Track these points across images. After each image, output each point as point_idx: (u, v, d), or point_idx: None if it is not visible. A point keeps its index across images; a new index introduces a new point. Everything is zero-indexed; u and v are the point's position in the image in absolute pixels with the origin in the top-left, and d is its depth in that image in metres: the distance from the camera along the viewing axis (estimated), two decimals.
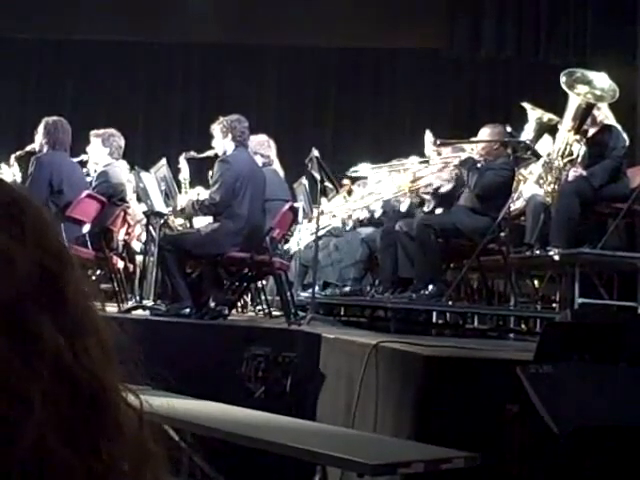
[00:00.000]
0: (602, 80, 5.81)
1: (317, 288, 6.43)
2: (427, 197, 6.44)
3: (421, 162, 6.42)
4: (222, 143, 5.97)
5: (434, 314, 6.89)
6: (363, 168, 7.08)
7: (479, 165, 5.88)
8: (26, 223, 0.54)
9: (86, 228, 6.28)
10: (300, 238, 7.21)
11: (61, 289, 0.54)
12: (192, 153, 6.50)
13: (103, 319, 0.58)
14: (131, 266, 7.46)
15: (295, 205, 6.60)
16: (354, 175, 7.25)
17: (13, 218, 0.54)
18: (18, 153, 7.08)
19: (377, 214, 7.39)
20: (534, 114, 6.52)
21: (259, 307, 7.23)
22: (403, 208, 6.83)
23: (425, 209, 6.52)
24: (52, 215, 0.59)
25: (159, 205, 6.43)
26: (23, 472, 0.49)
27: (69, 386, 0.52)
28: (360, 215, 7.74)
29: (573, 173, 5.72)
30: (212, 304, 5.88)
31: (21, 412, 0.49)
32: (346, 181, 8.31)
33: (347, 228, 7.86)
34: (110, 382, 0.55)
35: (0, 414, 0.49)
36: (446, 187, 6.23)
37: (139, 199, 6.95)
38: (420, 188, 6.36)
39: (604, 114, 5.88)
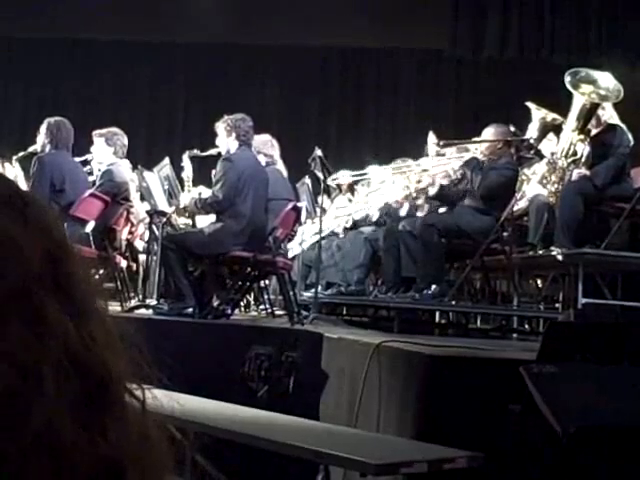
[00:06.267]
0: (606, 80, 5.79)
1: (320, 288, 6.42)
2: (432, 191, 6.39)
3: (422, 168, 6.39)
4: (226, 142, 5.98)
5: (437, 314, 6.89)
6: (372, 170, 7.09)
7: (482, 165, 5.87)
8: (30, 214, 0.56)
9: (89, 227, 6.28)
10: (303, 238, 7.19)
11: (66, 276, 0.56)
12: (195, 151, 6.50)
13: (107, 309, 0.60)
14: (134, 265, 7.46)
15: (298, 205, 6.60)
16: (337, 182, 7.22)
17: (17, 209, 0.56)
18: (20, 154, 7.08)
19: (374, 218, 7.30)
20: (538, 114, 6.50)
21: (262, 307, 7.21)
22: (403, 213, 6.76)
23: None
24: (55, 212, 0.60)
25: (162, 204, 6.43)
26: (35, 448, 0.50)
27: (77, 368, 0.53)
28: (356, 216, 7.66)
29: (577, 173, 5.71)
30: (215, 303, 5.88)
31: (33, 390, 0.51)
32: (346, 180, 8.27)
33: (347, 225, 7.75)
34: (115, 368, 0.56)
35: (14, 391, 0.50)
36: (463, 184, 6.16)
37: (142, 198, 6.94)
38: (427, 188, 6.33)
39: (608, 114, 5.86)
